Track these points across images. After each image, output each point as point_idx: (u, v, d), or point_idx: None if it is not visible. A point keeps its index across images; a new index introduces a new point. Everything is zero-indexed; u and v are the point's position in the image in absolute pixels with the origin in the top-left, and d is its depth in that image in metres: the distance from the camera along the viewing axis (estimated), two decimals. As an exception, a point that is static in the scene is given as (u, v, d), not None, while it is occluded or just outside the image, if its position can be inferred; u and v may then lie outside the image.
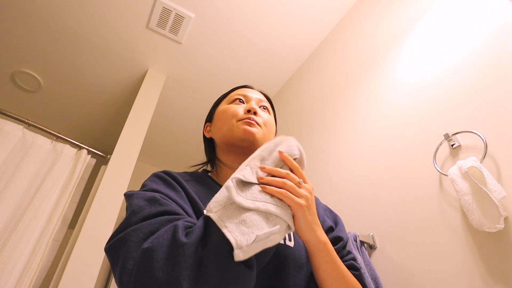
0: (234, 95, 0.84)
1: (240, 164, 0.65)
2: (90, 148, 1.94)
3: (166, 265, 0.42)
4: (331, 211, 0.80)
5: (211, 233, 0.46)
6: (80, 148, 1.92)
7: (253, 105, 0.79)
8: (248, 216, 0.48)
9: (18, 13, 1.97)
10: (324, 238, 0.59)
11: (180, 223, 0.48)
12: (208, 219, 0.48)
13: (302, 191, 0.55)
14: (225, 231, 0.45)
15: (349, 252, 0.70)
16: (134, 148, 1.92)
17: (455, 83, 1.01)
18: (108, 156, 1.92)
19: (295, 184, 0.55)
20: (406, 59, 1.27)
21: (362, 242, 1.03)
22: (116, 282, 0.47)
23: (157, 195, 0.56)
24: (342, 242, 0.69)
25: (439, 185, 0.92)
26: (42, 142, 1.81)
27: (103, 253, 1.49)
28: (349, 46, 1.72)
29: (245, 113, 0.76)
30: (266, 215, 0.50)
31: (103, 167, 1.86)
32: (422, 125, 1.06)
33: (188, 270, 0.42)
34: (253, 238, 0.45)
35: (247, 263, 0.46)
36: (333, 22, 1.92)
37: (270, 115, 0.85)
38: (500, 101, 0.86)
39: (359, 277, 0.65)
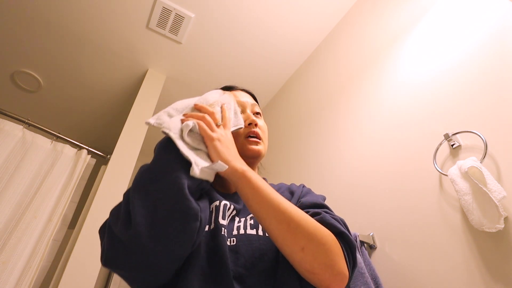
0: None
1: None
2: (90, 148, 1.94)
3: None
4: (306, 188, 0.78)
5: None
6: (80, 148, 1.92)
7: (252, 117, 0.81)
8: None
9: (18, 13, 1.97)
10: (242, 167, 0.60)
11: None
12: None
13: (218, 130, 0.62)
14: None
15: (317, 213, 0.62)
16: (134, 148, 1.92)
17: (455, 83, 1.01)
18: (108, 156, 1.92)
19: (215, 124, 0.63)
20: (407, 59, 1.27)
21: (362, 242, 1.03)
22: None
23: None
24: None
25: (439, 185, 0.92)
26: (42, 142, 1.80)
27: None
28: (349, 46, 1.72)
29: (246, 126, 0.79)
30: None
31: (103, 167, 1.86)
32: (422, 125, 1.06)
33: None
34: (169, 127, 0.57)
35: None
36: (333, 22, 1.92)
37: (262, 117, 0.88)
38: (500, 101, 0.86)
39: (321, 219, 0.58)
